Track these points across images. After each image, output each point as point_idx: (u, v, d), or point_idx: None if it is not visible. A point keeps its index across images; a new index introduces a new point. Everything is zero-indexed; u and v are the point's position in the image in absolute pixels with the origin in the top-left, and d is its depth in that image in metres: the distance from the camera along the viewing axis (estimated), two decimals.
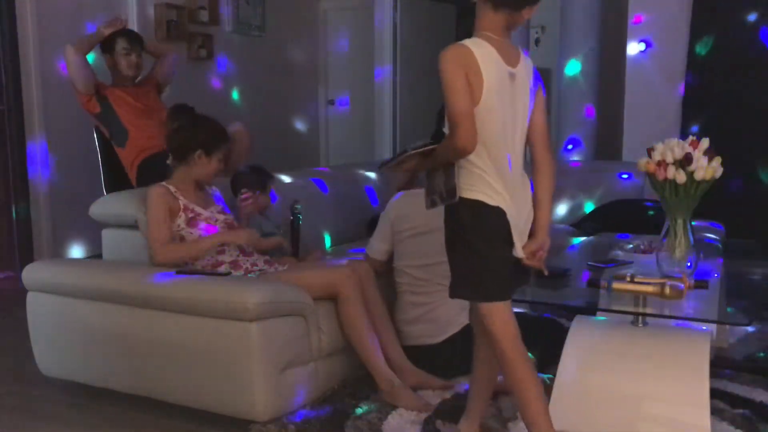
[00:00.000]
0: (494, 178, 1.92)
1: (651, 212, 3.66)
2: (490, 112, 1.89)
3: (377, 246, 2.98)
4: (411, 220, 2.85)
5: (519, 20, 1.94)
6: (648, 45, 4.24)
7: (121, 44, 3.83)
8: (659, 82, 4.80)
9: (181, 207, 2.75)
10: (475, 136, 1.85)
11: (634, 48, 4.82)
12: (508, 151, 1.94)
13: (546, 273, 2.06)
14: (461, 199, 1.93)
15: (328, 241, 3.72)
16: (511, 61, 1.94)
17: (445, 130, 1.94)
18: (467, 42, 1.89)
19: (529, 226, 2.04)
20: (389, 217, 2.93)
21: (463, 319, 2.78)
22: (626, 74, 4.91)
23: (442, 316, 2.79)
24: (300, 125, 7.06)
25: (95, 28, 4.00)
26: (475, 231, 1.94)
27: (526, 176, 2.03)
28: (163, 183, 2.78)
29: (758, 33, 4.46)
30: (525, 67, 1.97)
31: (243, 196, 3.03)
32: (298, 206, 3.16)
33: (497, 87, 1.89)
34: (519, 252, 1.97)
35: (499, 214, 1.93)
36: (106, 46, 3.87)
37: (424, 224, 2.79)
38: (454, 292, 2.05)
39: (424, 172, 2.08)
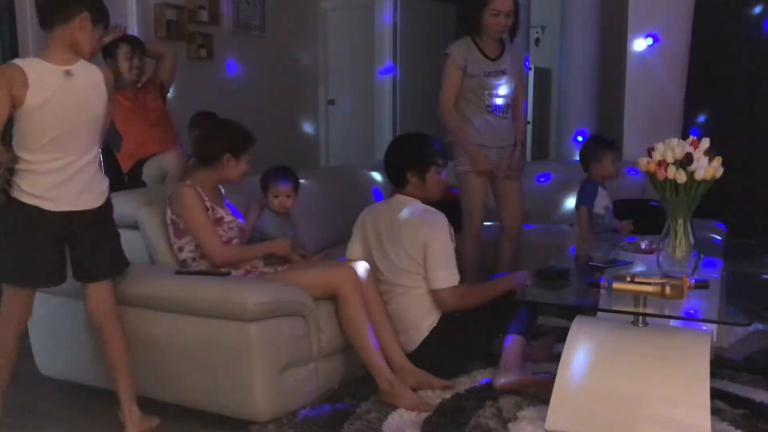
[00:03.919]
0: (41, 178, 2.20)
1: (651, 212, 3.65)
2: (34, 121, 2.16)
3: (350, 246, 3.00)
4: (373, 226, 2.90)
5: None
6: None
7: (123, 48, 3.84)
8: (661, 81, 4.79)
9: (209, 208, 2.76)
10: None
11: (635, 46, 4.82)
12: (64, 149, 2.22)
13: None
14: (10, 197, 2.21)
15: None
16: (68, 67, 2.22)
17: None
18: (17, 61, 2.18)
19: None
20: (359, 221, 2.99)
21: (430, 323, 2.80)
22: (627, 73, 4.90)
23: (408, 320, 2.82)
24: (300, 125, 7.06)
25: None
26: (12, 227, 2.25)
27: (97, 168, 2.35)
28: (189, 183, 2.77)
29: (762, 27, 4.44)
30: (85, 73, 2.26)
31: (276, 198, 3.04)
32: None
33: (48, 97, 2.16)
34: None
35: (39, 213, 2.21)
36: (108, 51, 3.87)
37: (385, 231, 2.85)
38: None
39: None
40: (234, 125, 2.85)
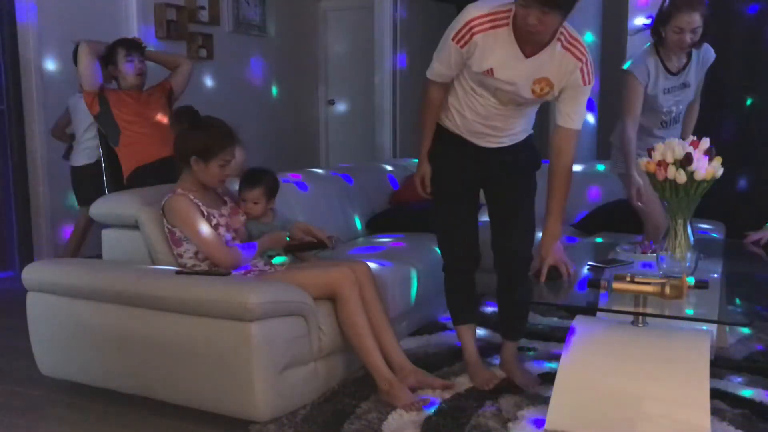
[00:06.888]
0: None
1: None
2: None
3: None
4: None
5: None
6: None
7: (121, 53, 3.88)
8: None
9: (205, 214, 2.74)
10: None
11: (634, 45, 4.81)
12: None
13: None
14: None
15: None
16: None
17: None
18: None
19: None
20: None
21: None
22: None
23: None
24: (300, 125, 7.06)
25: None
26: None
27: None
28: (180, 190, 2.73)
29: (762, 28, 4.43)
30: None
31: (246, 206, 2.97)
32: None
33: None
34: None
35: None
36: (108, 58, 3.90)
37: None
38: None
39: None
40: (209, 126, 2.72)
